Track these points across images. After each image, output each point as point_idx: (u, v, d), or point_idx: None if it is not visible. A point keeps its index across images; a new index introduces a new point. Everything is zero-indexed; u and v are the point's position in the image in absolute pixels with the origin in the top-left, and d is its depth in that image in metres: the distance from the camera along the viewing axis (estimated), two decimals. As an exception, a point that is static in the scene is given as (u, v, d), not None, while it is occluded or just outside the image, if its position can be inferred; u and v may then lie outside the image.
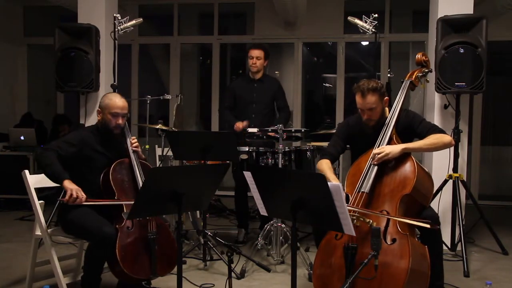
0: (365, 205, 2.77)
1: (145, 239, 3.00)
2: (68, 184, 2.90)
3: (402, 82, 3.12)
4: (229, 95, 4.88)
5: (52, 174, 2.94)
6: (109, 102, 3.14)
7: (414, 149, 2.91)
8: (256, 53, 4.65)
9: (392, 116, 2.98)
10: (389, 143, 2.87)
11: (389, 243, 2.58)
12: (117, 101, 3.15)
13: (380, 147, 2.88)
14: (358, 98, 2.99)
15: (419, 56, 3.20)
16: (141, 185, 3.11)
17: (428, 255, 2.63)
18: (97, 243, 2.86)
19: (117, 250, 2.85)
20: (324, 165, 3.13)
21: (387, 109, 3.09)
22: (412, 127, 3.06)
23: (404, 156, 2.82)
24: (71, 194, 2.85)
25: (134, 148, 3.24)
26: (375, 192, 2.79)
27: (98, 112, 3.20)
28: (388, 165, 2.83)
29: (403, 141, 2.96)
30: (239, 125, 4.59)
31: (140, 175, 3.16)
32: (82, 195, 2.87)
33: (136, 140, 3.30)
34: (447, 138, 2.99)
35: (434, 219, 2.85)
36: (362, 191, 2.79)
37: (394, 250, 2.55)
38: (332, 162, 3.22)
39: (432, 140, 2.95)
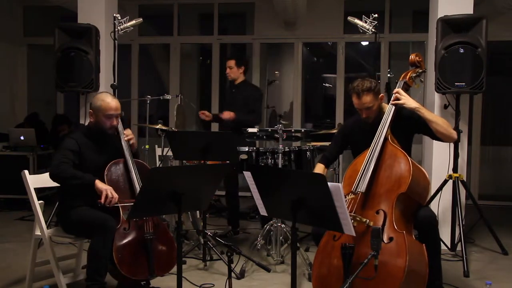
0: (361, 205, 2.79)
1: (142, 239, 2.99)
2: (100, 184, 2.90)
3: (397, 83, 3.14)
4: None
5: (81, 183, 2.91)
6: (102, 104, 3.09)
7: (425, 114, 2.97)
8: (229, 63, 4.87)
9: (387, 117, 2.99)
10: (384, 143, 2.90)
11: (386, 242, 2.58)
12: (110, 102, 3.09)
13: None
14: (354, 99, 3.08)
15: (412, 56, 3.21)
16: (136, 185, 3.11)
17: (425, 254, 2.63)
18: (97, 228, 2.83)
19: (114, 253, 2.85)
20: (316, 171, 3.27)
21: (384, 104, 3.14)
22: (414, 117, 3.05)
23: (399, 155, 2.83)
24: (106, 195, 2.84)
25: (127, 140, 3.23)
26: (371, 192, 2.80)
27: (90, 114, 3.14)
28: (384, 163, 2.85)
29: (401, 137, 3.00)
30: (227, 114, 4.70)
31: (136, 175, 3.15)
32: (115, 194, 2.87)
33: (130, 132, 3.29)
34: (453, 130, 3.07)
35: (431, 218, 2.87)
36: (358, 191, 2.81)
37: (391, 249, 2.55)
38: (327, 166, 3.36)
39: (443, 120, 3.03)
